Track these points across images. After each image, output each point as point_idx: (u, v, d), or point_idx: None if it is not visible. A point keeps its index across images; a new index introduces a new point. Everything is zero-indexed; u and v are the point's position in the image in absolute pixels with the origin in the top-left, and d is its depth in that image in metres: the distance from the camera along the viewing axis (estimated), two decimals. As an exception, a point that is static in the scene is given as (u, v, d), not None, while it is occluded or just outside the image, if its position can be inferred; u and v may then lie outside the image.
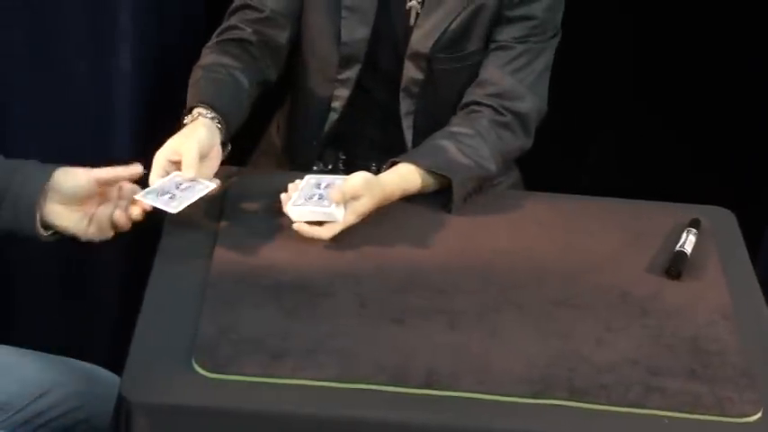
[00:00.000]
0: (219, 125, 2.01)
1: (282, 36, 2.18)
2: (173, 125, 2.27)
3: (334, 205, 1.92)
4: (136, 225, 1.89)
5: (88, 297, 2.50)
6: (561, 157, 2.77)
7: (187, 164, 1.91)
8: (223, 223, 1.97)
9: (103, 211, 1.85)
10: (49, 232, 1.84)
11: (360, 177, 1.97)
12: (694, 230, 2.04)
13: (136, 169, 1.87)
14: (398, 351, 1.76)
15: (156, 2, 2.30)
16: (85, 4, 2.24)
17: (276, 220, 1.98)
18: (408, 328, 1.81)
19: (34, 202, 1.80)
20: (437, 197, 2.07)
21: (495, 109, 2.13)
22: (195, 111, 2.03)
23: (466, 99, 2.17)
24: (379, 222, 2.01)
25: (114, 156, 2.35)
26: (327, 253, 1.93)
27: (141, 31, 2.28)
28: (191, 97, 2.06)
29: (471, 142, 2.09)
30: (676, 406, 1.72)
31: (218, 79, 2.09)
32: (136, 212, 1.86)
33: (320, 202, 1.94)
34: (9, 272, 2.45)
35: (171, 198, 1.89)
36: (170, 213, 1.88)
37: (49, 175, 1.81)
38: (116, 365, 1.81)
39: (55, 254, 2.43)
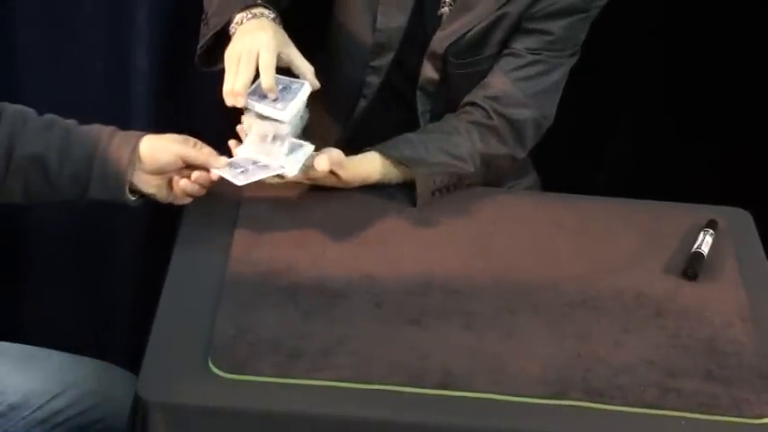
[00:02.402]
0: (280, 24, 2.02)
1: None
2: (189, 125, 2.27)
3: (283, 154, 1.93)
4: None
5: (105, 295, 2.51)
6: (578, 157, 2.77)
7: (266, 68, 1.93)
8: (240, 223, 1.98)
9: (181, 181, 1.91)
10: (136, 197, 1.91)
11: (339, 154, 1.98)
12: (711, 231, 2.03)
13: (221, 162, 1.91)
14: (414, 352, 1.76)
15: (172, 2, 2.30)
16: (102, 4, 2.25)
17: (293, 220, 1.99)
18: (424, 329, 1.81)
19: (122, 173, 1.86)
20: (450, 199, 2.07)
21: (486, 111, 2.12)
22: (256, 9, 2.01)
23: (465, 100, 2.16)
24: (393, 223, 2.01)
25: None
26: (344, 254, 1.93)
27: (158, 31, 2.28)
28: None
29: (450, 139, 2.08)
30: (693, 407, 1.72)
31: None
32: (203, 180, 1.91)
33: (274, 104, 1.94)
34: (25, 269, 2.46)
35: (242, 173, 1.91)
36: (235, 185, 1.90)
37: (133, 148, 1.86)
38: (133, 364, 1.82)
39: (72, 251, 2.44)
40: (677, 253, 2.01)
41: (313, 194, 2.04)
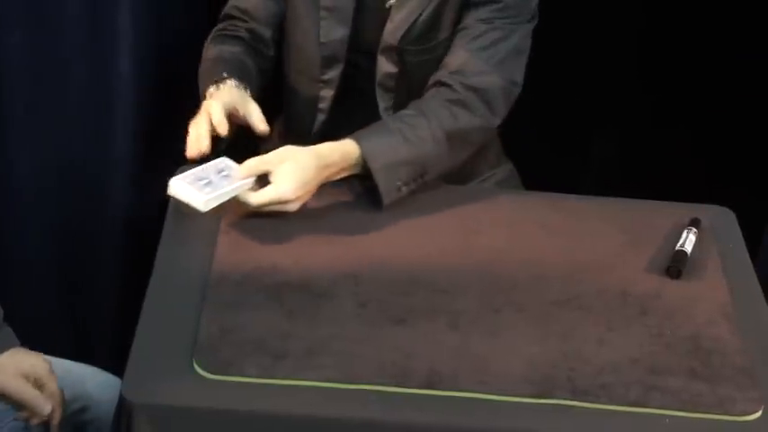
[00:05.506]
0: (246, 90, 2.06)
1: (268, 39, 2.21)
2: (173, 126, 2.27)
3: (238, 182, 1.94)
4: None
5: (88, 297, 2.50)
6: (561, 156, 2.77)
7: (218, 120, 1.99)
8: (224, 224, 1.97)
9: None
10: None
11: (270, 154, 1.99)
12: (694, 230, 2.04)
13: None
14: (399, 352, 1.76)
15: (155, 2, 2.30)
16: (84, 4, 2.24)
17: (277, 221, 1.99)
18: (409, 328, 1.81)
19: None
20: (434, 198, 2.07)
21: (450, 87, 2.11)
22: (222, 84, 2.06)
23: (430, 82, 2.15)
24: (378, 222, 2.01)
25: (114, 157, 2.36)
26: (328, 254, 1.93)
27: (140, 31, 2.28)
28: (207, 79, 2.09)
29: (413, 122, 2.07)
30: (677, 405, 1.72)
31: (229, 60, 2.12)
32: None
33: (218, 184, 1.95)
34: (8, 274, 2.45)
35: (207, 184, 1.92)
36: (199, 211, 1.90)
37: None
38: (117, 366, 1.81)
39: (55, 252, 2.43)
40: (661, 251, 2.01)
41: (297, 195, 2.04)
